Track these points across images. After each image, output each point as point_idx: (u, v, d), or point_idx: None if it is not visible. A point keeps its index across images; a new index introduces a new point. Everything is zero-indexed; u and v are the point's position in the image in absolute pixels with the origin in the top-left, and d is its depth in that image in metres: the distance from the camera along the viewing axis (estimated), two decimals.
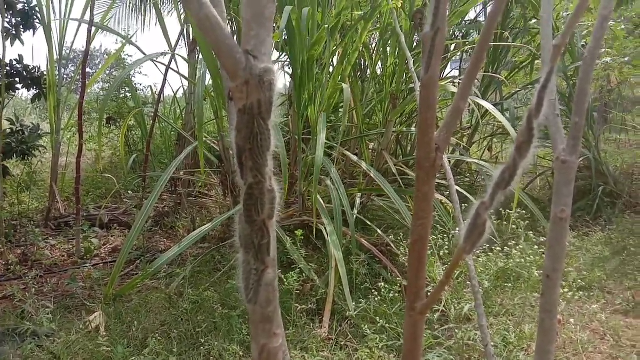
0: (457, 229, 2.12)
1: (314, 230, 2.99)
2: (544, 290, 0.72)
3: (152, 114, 4.17)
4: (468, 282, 2.61)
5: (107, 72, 7.21)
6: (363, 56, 4.13)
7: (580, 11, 0.53)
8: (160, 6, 5.39)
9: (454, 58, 5.09)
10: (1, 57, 3.56)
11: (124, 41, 4.21)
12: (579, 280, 2.67)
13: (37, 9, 3.99)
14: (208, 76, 3.20)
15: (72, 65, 11.51)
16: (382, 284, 2.59)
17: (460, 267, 2.68)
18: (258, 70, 0.48)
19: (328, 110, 3.33)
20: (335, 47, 3.38)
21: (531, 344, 2.29)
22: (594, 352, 2.33)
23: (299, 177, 3.24)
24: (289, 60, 3.25)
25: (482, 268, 2.81)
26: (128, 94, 5.83)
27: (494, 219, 3.13)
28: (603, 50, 4.37)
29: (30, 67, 4.07)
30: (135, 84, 6.68)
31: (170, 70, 3.94)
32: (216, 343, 2.28)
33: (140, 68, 7.54)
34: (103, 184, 5.26)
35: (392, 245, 3.00)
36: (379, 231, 3.17)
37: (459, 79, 4.46)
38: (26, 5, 3.99)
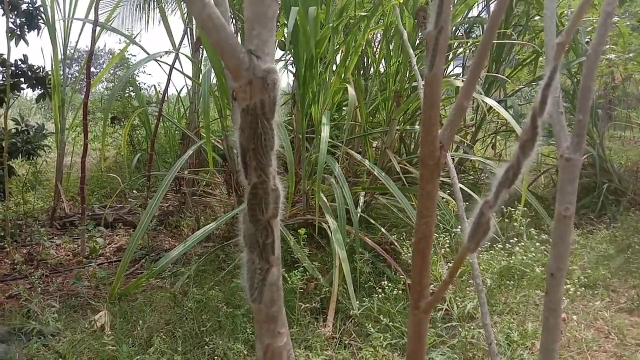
0: (460, 227, 2.12)
1: (318, 228, 2.99)
2: (548, 288, 0.72)
3: (156, 113, 4.18)
4: (471, 281, 2.61)
5: (111, 71, 7.23)
6: (366, 54, 4.12)
7: (584, 8, 0.52)
8: (163, 5, 5.40)
9: (457, 54, 5.08)
10: (6, 57, 3.57)
11: (128, 41, 4.22)
12: (583, 278, 2.67)
13: (41, 9, 4.01)
14: (212, 73, 3.20)
15: (77, 65, 11.55)
16: (386, 282, 2.59)
17: (463, 265, 2.68)
18: (261, 70, 0.48)
19: (332, 108, 3.33)
20: (338, 46, 3.38)
21: (535, 342, 2.29)
22: (599, 351, 2.32)
23: (303, 176, 3.24)
24: (292, 58, 3.26)
25: (486, 266, 2.81)
26: (132, 94, 5.85)
27: (497, 217, 3.12)
28: (608, 46, 4.35)
29: (35, 67, 4.08)
30: (139, 83, 6.70)
31: (174, 69, 3.95)
32: (221, 342, 2.28)
33: (144, 67, 7.56)
34: (108, 183, 5.28)
35: (396, 244, 3.00)
36: (382, 230, 3.17)
37: (462, 78, 4.46)
38: (30, 5, 4.00)
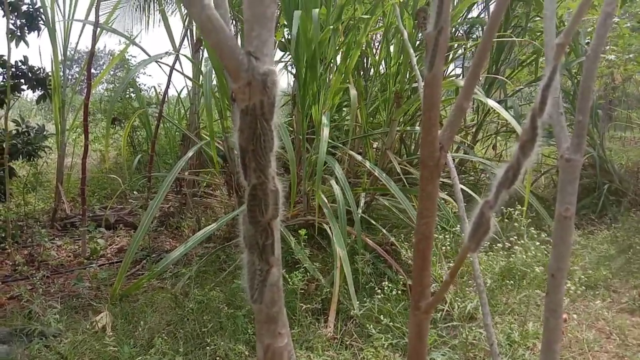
0: (460, 227, 2.13)
1: (319, 229, 3.00)
2: (549, 289, 0.72)
3: (157, 115, 4.18)
4: (472, 281, 2.61)
5: (112, 72, 7.24)
6: (367, 55, 4.13)
7: (583, 9, 0.53)
8: (164, 6, 5.41)
9: (457, 55, 5.08)
10: (6, 59, 3.58)
11: (128, 42, 4.22)
12: (585, 279, 2.67)
13: (41, 10, 4.01)
14: (213, 74, 3.21)
15: (77, 66, 11.55)
16: (387, 283, 2.59)
17: (464, 265, 2.68)
18: (260, 72, 0.49)
19: (332, 109, 3.33)
20: (338, 47, 3.38)
21: (536, 342, 2.29)
22: (600, 351, 2.32)
23: (304, 177, 3.24)
24: (292, 59, 3.26)
25: (486, 266, 2.81)
26: (132, 95, 5.85)
27: (498, 217, 3.12)
28: (608, 47, 4.35)
29: (36, 68, 4.09)
30: (139, 85, 6.70)
31: (174, 70, 3.95)
32: (222, 343, 2.28)
33: (144, 68, 7.55)
34: (108, 184, 5.28)
35: (397, 245, 3.00)
36: (383, 230, 3.17)
37: (462, 79, 4.45)
38: (31, 6, 4.01)
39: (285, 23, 3.21)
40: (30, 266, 3.31)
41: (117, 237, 3.96)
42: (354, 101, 3.07)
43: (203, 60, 4.19)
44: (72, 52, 4.67)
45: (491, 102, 3.16)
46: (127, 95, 5.85)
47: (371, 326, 2.37)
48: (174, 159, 4.88)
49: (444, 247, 2.79)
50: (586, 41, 4.45)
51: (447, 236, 2.89)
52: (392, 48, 3.66)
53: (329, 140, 2.96)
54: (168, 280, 3.09)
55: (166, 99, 4.88)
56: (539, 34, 4.76)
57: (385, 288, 2.55)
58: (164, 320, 2.59)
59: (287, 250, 2.92)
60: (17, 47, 3.95)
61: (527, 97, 6.73)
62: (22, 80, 4.05)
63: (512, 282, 2.71)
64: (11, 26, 3.83)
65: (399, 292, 2.57)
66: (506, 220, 3.11)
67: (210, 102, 2.99)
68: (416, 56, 3.06)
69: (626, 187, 4.57)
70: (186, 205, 4.20)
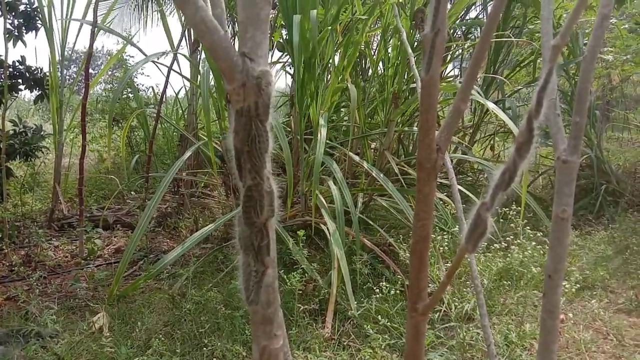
0: (458, 228, 2.13)
1: (317, 230, 2.99)
2: (546, 290, 0.72)
3: (155, 115, 4.18)
4: (469, 282, 2.61)
5: (109, 72, 7.22)
6: (365, 55, 4.13)
7: (579, 11, 0.53)
8: (162, 7, 5.40)
9: (455, 56, 5.09)
10: (4, 59, 3.57)
11: (126, 42, 4.22)
12: (582, 279, 2.67)
13: (39, 10, 4.00)
14: (211, 74, 3.21)
15: (74, 66, 11.53)
16: (385, 283, 2.59)
17: (461, 266, 2.68)
18: (255, 73, 0.49)
19: (330, 109, 3.33)
20: (336, 47, 3.38)
21: (533, 342, 2.29)
22: (597, 352, 2.32)
23: (301, 177, 3.24)
24: (290, 60, 3.26)
25: (484, 267, 2.81)
26: (130, 95, 5.85)
27: (495, 218, 3.12)
28: (606, 48, 4.36)
29: (33, 68, 4.08)
30: (137, 85, 6.70)
31: (172, 70, 3.95)
32: (219, 343, 2.28)
33: (142, 69, 7.54)
34: (106, 184, 5.27)
35: (395, 245, 3.01)
36: (381, 231, 3.17)
37: (459, 80, 4.46)
38: (28, 6, 4.00)
39: (283, 23, 3.21)
40: (27, 267, 3.30)
41: (115, 237, 3.95)
42: (353, 100, 3.07)
43: (201, 61, 4.19)
44: (70, 52, 4.67)
45: (489, 104, 3.16)
46: (125, 96, 5.84)
47: (369, 326, 2.36)
48: (172, 160, 4.87)
49: (441, 248, 2.79)
50: (584, 42, 4.46)
51: (444, 237, 2.89)
52: (390, 48, 3.66)
53: (327, 141, 2.96)
54: (165, 281, 3.08)
55: (164, 100, 4.88)
56: (537, 34, 4.76)
57: (383, 288, 2.55)
58: (161, 321, 2.58)
59: (285, 251, 2.91)
60: (14, 47, 3.95)
61: (525, 98, 6.74)
62: (20, 80, 4.04)
63: (509, 282, 2.72)
64: (8, 26, 3.83)
65: (397, 292, 2.57)
66: (501, 220, 3.12)
67: (208, 103, 2.99)
68: (414, 56, 3.07)
69: (623, 188, 4.58)
70: (184, 206, 4.19)
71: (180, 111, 5.33)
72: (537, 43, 4.45)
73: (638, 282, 3.00)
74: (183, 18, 4.48)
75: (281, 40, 4.03)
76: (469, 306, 2.48)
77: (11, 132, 3.98)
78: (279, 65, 4.27)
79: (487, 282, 2.69)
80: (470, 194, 3.04)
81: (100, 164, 6.19)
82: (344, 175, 3.21)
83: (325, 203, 2.98)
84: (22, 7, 3.97)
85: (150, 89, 7.71)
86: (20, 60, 4.03)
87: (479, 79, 4.39)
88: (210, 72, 3.09)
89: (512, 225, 3.02)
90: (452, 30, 4.48)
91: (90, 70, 3.62)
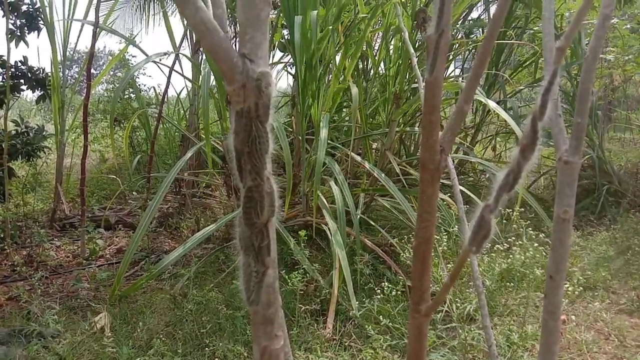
0: (460, 229, 2.13)
1: (318, 230, 2.99)
2: (547, 291, 0.72)
3: (156, 115, 4.18)
4: (471, 283, 2.61)
5: (111, 72, 7.23)
6: (366, 56, 4.13)
7: (584, 12, 0.53)
8: (165, 7, 5.40)
9: (457, 57, 5.09)
10: (6, 59, 3.58)
11: (128, 42, 4.22)
12: (583, 280, 2.67)
13: (41, 10, 4.01)
14: (211, 76, 3.21)
15: (76, 66, 11.54)
16: (386, 284, 2.59)
17: (464, 267, 2.67)
18: (255, 74, 0.49)
19: (331, 110, 3.33)
20: (338, 47, 3.38)
21: (535, 343, 2.29)
22: (599, 353, 2.32)
23: (303, 178, 3.24)
24: (292, 60, 3.26)
25: (486, 268, 2.81)
26: (132, 95, 5.85)
27: (497, 219, 3.12)
28: (607, 48, 4.35)
29: (35, 69, 4.09)
30: (138, 85, 6.70)
31: (173, 71, 3.95)
32: (221, 344, 2.28)
33: (144, 69, 7.54)
34: (107, 184, 5.28)
35: (396, 246, 3.00)
36: (382, 231, 3.17)
37: (462, 79, 4.46)
38: (31, 6, 4.01)
39: (285, 23, 3.21)
40: (29, 267, 3.31)
41: (116, 237, 3.95)
42: (355, 100, 3.06)
43: (202, 62, 4.19)
44: (72, 52, 4.67)
45: (490, 103, 3.16)
46: (127, 96, 5.85)
47: (370, 327, 2.36)
48: (174, 160, 4.88)
49: (441, 248, 2.79)
50: (586, 42, 4.45)
51: (444, 237, 2.89)
52: (391, 49, 3.66)
53: (329, 141, 2.96)
54: (167, 281, 3.08)
55: (166, 100, 4.88)
56: (540, 35, 4.76)
57: (385, 289, 2.54)
58: (163, 321, 2.58)
59: (286, 251, 2.91)
60: (16, 47, 3.95)
61: (527, 98, 6.74)
62: (22, 81, 4.04)
63: (511, 283, 2.71)
64: (11, 26, 3.83)
65: (399, 292, 2.57)
66: (504, 221, 3.11)
67: (207, 104, 2.99)
68: (416, 56, 3.07)
69: (625, 189, 4.57)
70: (185, 206, 4.19)
71: (182, 111, 5.33)
72: (538, 45, 4.45)
73: None
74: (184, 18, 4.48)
75: (282, 41, 4.03)
76: (471, 307, 2.48)
77: (13, 132, 3.99)
78: (280, 66, 4.27)
79: (489, 283, 2.68)
80: (472, 195, 3.04)
81: (102, 164, 6.20)
82: (345, 175, 3.21)
83: (326, 203, 2.98)
84: (24, 8, 3.97)
85: (152, 89, 7.72)
86: (23, 60, 4.03)
87: (480, 80, 4.38)
88: (211, 73, 3.10)
89: (514, 226, 3.02)
90: (454, 31, 4.48)
91: (92, 71, 3.63)
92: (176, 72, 3.91)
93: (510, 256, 2.74)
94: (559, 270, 0.72)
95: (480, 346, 2.24)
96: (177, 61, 3.95)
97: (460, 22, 4.50)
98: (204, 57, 3.93)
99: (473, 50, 4.72)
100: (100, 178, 5.44)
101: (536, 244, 2.75)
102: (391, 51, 3.65)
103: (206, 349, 2.28)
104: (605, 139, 5.38)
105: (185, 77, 4.20)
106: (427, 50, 0.52)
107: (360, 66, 4.22)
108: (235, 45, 0.53)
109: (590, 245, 3.60)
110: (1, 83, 3.94)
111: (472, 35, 5.10)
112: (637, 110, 7.01)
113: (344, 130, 4.47)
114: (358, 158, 3.38)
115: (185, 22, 4.35)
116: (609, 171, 4.62)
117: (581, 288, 2.57)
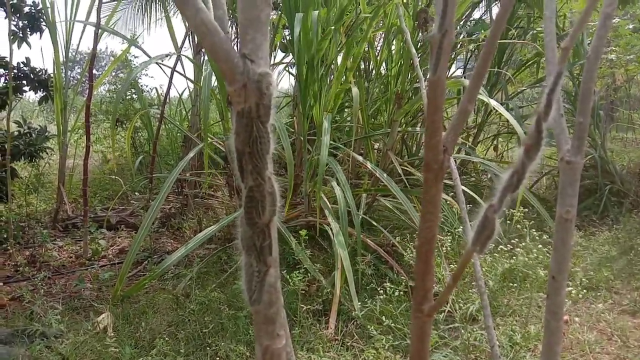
0: (463, 229, 2.12)
1: (320, 230, 2.99)
2: (550, 291, 0.72)
3: (158, 116, 4.19)
4: (474, 283, 2.60)
5: (113, 73, 7.24)
6: (368, 56, 4.13)
7: (589, 13, 0.52)
8: (167, 8, 5.41)
9: (459, 57, 5.08)
10: (8, 60, 3.59)
11: (129, 43, 4.23)
12: (586, 280, 2.66)
13: (43, 11, 4.02)
14: (213, 77, 3.21)
15: (78, 67, 11.57)
16: (388, 284, 2.59)
17: (466, 267, 2.67)
18: (255, 74, 0.49)
19: (333, 110, 3.34)
20: (340, 47, 3.38)
21: (537, 344, 2.28)
22: (601, 353, 2.32)
23: (305, 178, 3.24)
24: (293, 60, 3.26)
25: (488, 268, 2.80)
26: (134, 96, 5.86)
27: (500, 219, 3.11)
28: (610, 48, 4.35)
29: (37, 70, 4.10)
30: (141, 86, 6.71)
31: (175, 71, 3.96)
32: (223, 344, 2.29)
33: (146, 70, 7.56)
34: (110, 185, 5.29)
35: (398, 246, 3.00)
36: (384, 231, 3.17)
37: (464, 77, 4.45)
38: (33, 8, 4.02)
39: (286, 24, 3.21)
40: (31, 267, 3.31)
41: (119, 238, 3.96)
42: (356, 101, 3.06)
43: (204, 63, 4.20)
44: (74, 54, 4.68)
45: (491, 101, 3.16)
46: (129, 97, 5.86)
47: (372, 327, 2.36)
48: (176, 160, 4.88)
49: (444, 249, 2.79)
50: (587, 42, 4.44)
51: (448, 238, 2.89)
52: (393, 49, 3.66)
53: (330, 142, 2.96)
54: (169, 281, 3.09)
55: (168, 100, 4.88)
56: (542, 35, 4.74)
57: (388, 289, 2.54)
58: (165, 321, 2.59)
59: (288, 251, 2.92)
60: (19, 49, 3.96)
61: (529, 99, 6.73)
62: (24, 82, 4.05)
63: (513, 284, 2.71)
64: (13, 27, 3.84)
65: (401, 293, 2.57)
66: (508, 222, 3.11)
67: (208, 106, 2.99)
68: (418, 56, 3.06)
69: (628, 188, 4.56)
70: (187, 206, 4.20)
71: (184, 112, 5.34)
72: (540, 45, 4.44)
73: None
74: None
75: (284, 41, 4.04)
76: (473, 307, 2.47)
77: (16, 133, 4.00)
78: (282, 66, 4.27)
79: (492, 283, 2.68)
80: (474, 195, 3.03)
81: (105, 164, 6.20)
82: (347, 175, 3.21)
83: (328, 203, 2.98)
84: (26, 9, 3.98)
85: (154, 90, 7.73)
86: (25, 61, 4.04)
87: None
88: (212, 74, 3.10)
89: (518, 226, 3.01)
90: (457, 28, 4.47)
91: (94, 72, 3.63)
92: (178, 73, 3.92)
93: (514, 257, 2.74)
94: (562, 271, 0.72)
95: (483, 346, 2.24)
96: (179, 62, 3.96)
97: (462, 22, 4.49)
98: (206, 58, 3.94)
99: (475, 51, 4.72)
100: (103, 179, 5.45)
101: (540, 245, 2.75)
102: (393, 51, 3.65)
103: (208, 348, 2.28)
104: (607, 139, 5.36)
105: (187, 78, 4.21)
106: (430, 50, 0.52)
107: (362, 66, 4.22)
108: (237, 45, 0.53)
109: (592, 245, 3.59)
110: (4, 84, 3.95)
111: (474, 35, 5.10)
112: (639, 110, 6.99)
113: (345, 131, 4.46)
114: (360, 158, 3.38)
115: (187, 23, 4.36)
116: (611, 171, 4.61)
117: (585, 290, 2.57)
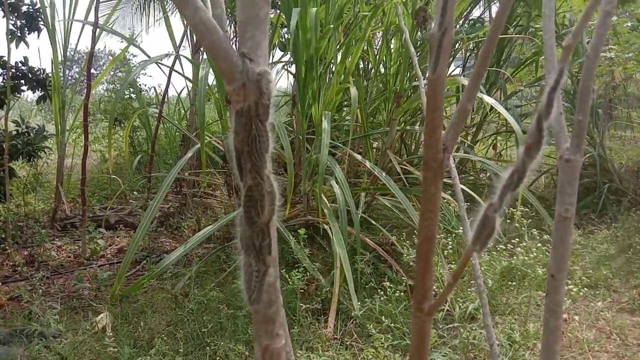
0: (462, 228, 2.12)
1: (319, 229, 2.99)
2: (549, 290, 0.72)
3: (157, 115, 4.19)
4: (473, 282, 2.61)
5: (111, 73, 7.23)
6: (367, 55, 4.13)
7: (591, 11, 0.52)
8: (165, 6, 5.40)
9: (457, 55, 5.08)
10: (6, 59, 3.58)
11: (128, 42, 4.22)
12: (585, 279, 2.66)
13: (41, 10, 4.01)
14: (211, 76, 3.20)
15: (77, 67, 11.54)
16: (387, 283, 2.59)
17: (466, 266, 2.67)
18: (254, 73, 0.48)
19: (332, 109, 3.33)
20: (339, 46, 3.38)
21: (536, 342, 2.29)
22: (600, 351, 2.32)
23: (304, 177, 3.24)
24: (292, 59, 3.25)
25: (487, 267, 2.80)
26: (132, 95, 5.85)
27: (499, 218, 3.11)
28: (608, 46, 4.35)
29: (35, 69, 4.09)
30: (139, 85, 6.69)
31: (174, 71, 3.95)
32: (222, 343, 2.28)
33: (144, 69, 7.54)
34: (108, 184, 5.28)
35: (397, 245, 3.00)
36: (383, 230, 3.17)
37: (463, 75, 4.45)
38: (31, 7, 4.01)
39: (285, 23, 3.21)
40: (30, 267, 3.31)
41: (117, 237, 3.96)
42: (354, 100, 3.06)
43: (202, 62, 4.19)
44: (72, 53, 4.67)
45: (491, 100, 3.16)
46: (128, 96, 5.85)
47: (371, 326, 2.36)
48: (174, 159, 4.88)
49: (445, 251, 2.79)
50: (587, 40, 4.44)
51: (448, 237, 2.89)
52: (392, 47, 3.66)
53: (330, 141, 2.95)
54: (168, 280, 3.09)
55: (166, 100, 4.88)
56: (541, 33, 4.75)
57: (387, 289, 2.54)
58: (164, 320, 2.59)
59: (287, 250, 2.91)
60: (17, 48, 3.95)
61: (527, 97, 6.73)
62: (22, 81, 4.04)
63: (512, 282, 2.71)
64: (11, 27, 3.83)
65: (400, 292, 2.57)
66: (508, 221, 3.11)
67: (204, 106, 2.97)
68: (417, 55, 3.06)
69: (626, 187, 4.57)
70: (186, 206, 4.19)
71: (183, 111, 5.33)
72: (538, 39, 4.43)
73: None
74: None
75: (282, 40, 4.03)
76: (472, 306, 2.47)
77: (14, 132, 3.99)
78: (280, 64, 4.27)
79: (491, 282, 2.68)
80: (473, 194, 3.03)
81: (103, 164, 6.19)
82: (346, 174, 3.21)
83: (327, 202, 2.97)
84: (24, 8, 3.97)
85: (153, 89, 7.71)
86: (23, 61, 4.03)
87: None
88: (209, 75, 3.09)
89: (517, 225, 3.02)
90: (456, 27, 4.47)
91: (93, 71, 3.63)
92: (176, 72, 3.92)
93: (515, 257, 2.74)
94: (560, 269, 0.72)
95: (482, 345, 2.24)
96: (177, 61, 3.95)
97: (462, 20, 4.49)
98: (204, 57, 3.93)
99: (475, 50, 4.72)
100: (101, 178, 5.44)
101: (539, 244, 2.75)
102: (392, 50, 3.65)
103: (207, 348, 2.28)
104: (606, 137, 5.37)
105: (185, 77, 4.20)
106: (430, 49, 0.52)
107: (361, 65, 4.21)
108: (235, 44, 0.53)
109: (591, 243, 3.59)
110: (2, 83, 3.94)
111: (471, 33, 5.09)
112: (638, 108, 7.00)
113: (344, 129, 4.46)
114: (359, 157, 3.38)
115: (185, 22, 4.35)
116: (610, 169, 4.61)
117: (585, 289, 2.57)
